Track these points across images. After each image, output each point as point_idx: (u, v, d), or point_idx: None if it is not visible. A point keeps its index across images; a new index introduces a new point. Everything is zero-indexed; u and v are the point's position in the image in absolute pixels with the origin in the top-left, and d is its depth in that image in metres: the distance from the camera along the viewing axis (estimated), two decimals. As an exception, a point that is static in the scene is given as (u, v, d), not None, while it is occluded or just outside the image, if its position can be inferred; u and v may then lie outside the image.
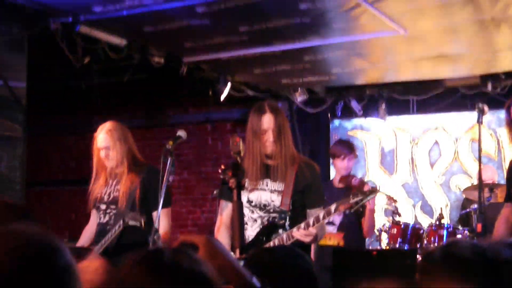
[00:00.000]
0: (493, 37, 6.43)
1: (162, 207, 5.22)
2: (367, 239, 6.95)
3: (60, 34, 6.03)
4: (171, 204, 5.46)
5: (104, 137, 5.29)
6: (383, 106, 8.51)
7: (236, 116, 8.96)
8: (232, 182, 4.32)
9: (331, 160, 7.20)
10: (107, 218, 5.38)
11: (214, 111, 8.93)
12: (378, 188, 6.24)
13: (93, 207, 5.51)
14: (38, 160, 9.03)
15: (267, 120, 4.68)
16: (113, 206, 5.34)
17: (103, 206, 5.42)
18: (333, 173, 8.29)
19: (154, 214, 5.24)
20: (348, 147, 6.81)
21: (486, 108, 5.49)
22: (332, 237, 6.27)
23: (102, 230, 5.34)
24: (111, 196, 5.38)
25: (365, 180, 8.76)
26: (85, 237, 5.55)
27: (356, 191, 4.94)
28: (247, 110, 8.54)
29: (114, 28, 6.30)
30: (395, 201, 7.14)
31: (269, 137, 4.64)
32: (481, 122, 5.60)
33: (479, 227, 5.64)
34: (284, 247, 2.57)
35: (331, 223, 6.34)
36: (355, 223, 6.49)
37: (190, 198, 9.48)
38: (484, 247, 2.42)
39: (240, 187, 4.35)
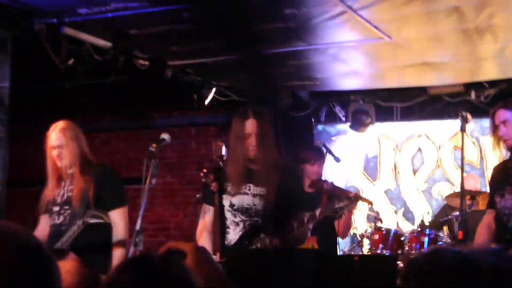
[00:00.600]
0: (477, 46, 6.45)
1: (117, 206, 5.23)
2: (342, 242, 6.96)
3: (44, 35, 5.99)
4: (126, 202, 5.38)
5: (57, 136, 5.22)
6: (367, 113, 8.51)
7: (221, 121, 8.89)
8: (214, 186, 4.41)
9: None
10: (61, 219, 5.24)
11: (198, 115, 8.91)
12: (359, 193, 6.28)
13: (44, 212, 5.37)
14: (21, 160, 9.00)
15: (250, 125, 4.71)
16: (66, 207, 5.22)
17: (56, 208, 5.29)
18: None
19: (111, 213, 5.18)
20: (318, 153, 6.88)
21: (469, 116, 5.52)
22: (306, 241, 6.27)
23: (56, 231, 5.19)
24: (65, 197, 5.26)
25: (347, 186, 8.85)
26: None
27: (340, 196, 4.96)
28: (231, 114, 8.66)
29: (99, 30, 6.27)
30: (370, 203, 7.13)
31: (252, 142, 4.67)
32: (464, 130, 5.62)
33: (460, 234, 5.65)
34: (262, 251, 2.57)
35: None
36: (328, 226, 6.44)
37: (172, 202, 9.46)
38: (466, 254, 2.43)
39: (222, 191, 4.43)
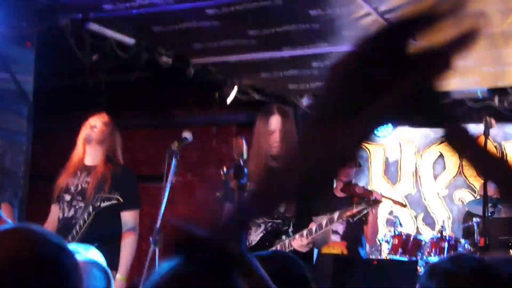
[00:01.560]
0: (502, 51, 6.42)
1: (131, 208, 5.27)
2: (368, 249, 6.94)
3: (69, 31, 6.02)
4: (140, 206, 5.39)
5: (101, 129, 5.32)
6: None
7: (242, 119, 8.94)
8: (234, 184, 4.38)
9: None
10: (72, 212, 5.20)
11: (219, 114, 8.90)
12: (381, 197, 6.23)
13: (56, 200, 5.33)
14: (44, 155, 9.05)
15: (275, 121, 4.75)
16: (79, 198, 5.20)
17: (67, 197, 5.26)
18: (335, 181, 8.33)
19: (123, 214, 5.22)
20: None
21: (493, 121, 5.49)
22: (336, 246, 6.25)
23: (66, 226, 5.15)
24: (79, 187, 5.24)
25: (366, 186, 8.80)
26: None
27: (359, 200, 4.93)
28: (253, 113, 8.62)
29: (123, 26, 6.31)
30: (403, 205, 7.08)
31: (276, 138, 4.70)
32: (488, 135, 5.57)
33: (481, 242, 5.60)
34: (278, 254, 2.52)
35: (335, 232, 6.33)
36: (358, 232, 6.46)
37: (192, 200, 9.40)
38: (487, 263, 2.40)
39: (242, 189, 4.33)
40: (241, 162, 4.32)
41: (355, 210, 4.70)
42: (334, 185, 7.20)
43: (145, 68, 6.98)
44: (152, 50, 6.80)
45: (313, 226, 4.56)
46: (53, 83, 7.86)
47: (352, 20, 5.79)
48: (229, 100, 7.87)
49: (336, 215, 4.61)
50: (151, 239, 4.72)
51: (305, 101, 8.53)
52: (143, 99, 9.13)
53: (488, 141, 6.96)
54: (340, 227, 6.30)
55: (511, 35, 5.98)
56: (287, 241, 4.56)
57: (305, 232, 4.53)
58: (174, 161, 4.84)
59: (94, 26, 6.15)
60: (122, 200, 5.08)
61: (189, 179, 9.34)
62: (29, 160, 6.45)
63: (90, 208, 5.04)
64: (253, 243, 4.64)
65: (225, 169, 4.56)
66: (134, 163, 9.22)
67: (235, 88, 7.83)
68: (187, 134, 5.09)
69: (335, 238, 6.32)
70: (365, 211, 4.95)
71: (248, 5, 5.57)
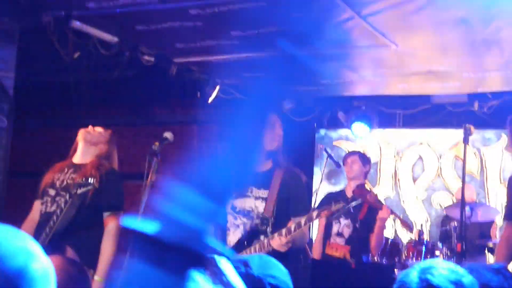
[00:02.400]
0: (483, 58, 6.45)
1: (113, 210, 5.17)
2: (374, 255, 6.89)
3: (51, 28, 5.97)
4: (122, 209, 5.33)
5: (100, 132, 5.37)
6: (370, 119, 8.49)
7: (223, 119, 8.88)
8: None
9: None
10: (54, 207, 5.10)
11: (201, 113, 8.84)
12: (389, 213, 6.20)
13: (40, 195, 5.27)
14: (24, 152, 8.98)
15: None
16: (63, 193, 5.12)
17: (52, 192, 5.19)
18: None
19: (106, 214, 5.14)
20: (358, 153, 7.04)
21: (473, 128, 5.51)
22: (339, 249, 6.23)
23: (48, 219, 5.05)
24: (64, 183, 5.17)
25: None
26: (27, 232, 5.19)
27: (366, 211, 4.92)
28: (234, 113, 8.69)
29: (106, 24, 6.26)
30: (409, 227, 7.06)
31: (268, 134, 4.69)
32: (467, 143, 5.60)
33: (458, 247, 5.63)
34: (259, 258, 2.51)
35: (340, 234, 6.35)
36: (364, 237, 6.46)
37: None
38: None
39: None
40: None
41: (333, 208, 4.70)
42: (344, 185, 7.23)
43: (127, 66, 6.98)
44: (135, 48, 6.78)
45: (291, 224, 4.54)
46: (35, 80, 7.79)
47: (334, 23, 5.77)
48: (211, 99, 7.88)
49: (314, 213, 4.62)
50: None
51: (286, 104, 8.53)
52: (125, 97, 9.11)
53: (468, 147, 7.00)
54: (346, 230, 6.33)
55: (492, 42, 5.98)
56: (266, 241, 4.54)
57: (283, 231, 4.51)
58: (155, 161, 4.82)
59: (77, 24, 6.08)
60: (97, 186, 4.97)
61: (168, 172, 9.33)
62: (8, 156, 6.39)
63: (67, 196, 4.98)
64: (232, 244, 4.63)
65: None
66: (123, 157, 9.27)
67: (217, 87, 7.84)
68: (168, 134, 5.06)
69: (339, 241, 6.31)
70: (343, 210, 4.96)
71: (232, 6, 5.56)
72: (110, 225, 5.13)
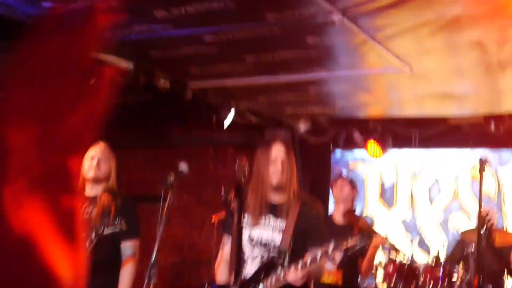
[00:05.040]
0: (498, 79, 6.43)
1: (132, 238, 5.21)
2: (364, 280, 6.94)
3: None
4: (139, 235, 5.37)
5: (100, 151, 5.28)
6: (385, 140, 8.51)
7: (239, 141, 8.89)
8: (234, 204, 4.29)
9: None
10: None
11: (216, 135, 8.85)
12: (383, 241, 6.18)
13: None
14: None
15: (277, 150, 4.66)
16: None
17: None
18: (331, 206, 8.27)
19: (124, 243, 5.19)
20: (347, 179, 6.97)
21: (488, 159, 5.49)
22: (331, 275, 6.19)
23: None
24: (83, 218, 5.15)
25: (364, 214, 8.80)
26: None
27: (358, 233, 4.89)
28: (249, 135, 8.68)
29: (121, 51, 6.23)
30: (398, 251, 7.09)
31: (278, 166, 4.60)
32: (481, 177, 5.58)
33: (476, 280, 5.59)
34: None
35: (333, 259, 6.30)
36: (354, 262, 6.45)
37: (188, 221, 9.41)
38: None
39: (242, 209, 4.28)
40: (243, 181, 4.25)
41: (350, 244, 4.64)
42: (331, 210, 7.21)
43: (143, 90, 6.97)
44: (150, 73, 6.80)
45: (307, 258, 4.44)
46: None
47: (350, 47, 5.81)
48: (226, 123, 7.86)
49: (330, 248, 4.53)
50: (146, 274, 4.66)
51: (302, 126, 8.54)
52: (141, 121, 9.09)
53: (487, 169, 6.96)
54: (337, 256, 6.23)
55: (507, 64, 5.99)
56: (282, 274, 4.46)
57: (299, 264, 4.42)
58: (170, 195, 4.76)
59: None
60: (125, 229, 5.04)
61: (185, 200, 9.28)
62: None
63: (93, 235, 4.97)
64: (249, 275, 4.57)
65: (225, 189, 4.48)
66: (131, 183, 9.29)
67: (232, 111, 7.82)
68: (183, 166, 4.99)
69: (330, 266, 6.26)
70: (358, 247, 4.92)
71: (247, 31, 5.58)
72: (129, 252, 5.20)
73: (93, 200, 5.22)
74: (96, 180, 5.23)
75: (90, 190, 5.25)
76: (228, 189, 4.31)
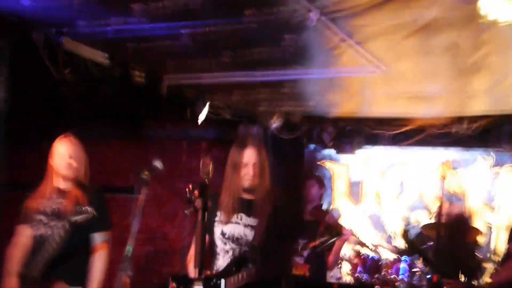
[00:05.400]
0: (470, 81, 6.43)
1: (104, 230, 5.26)
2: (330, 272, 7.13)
3: (42, 45, 5.87)
4: (111, 227, 5.41)
5: (73, 148, 5.32)
6: (355, 139, 8.59)
7: (212, 136, 8.89)
8: (198, 203, 4.25)
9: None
10: (49, 231, 5.14)
11: (190, 129, 8.80)
12: (350, 235, 6.41)
13: (25, 221, 5.27)
14: (18, 164, 8.88)
15: (249, 154, 4.70)
16: (54, 218, 5.18)
17: (41, 217, 5.21)
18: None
19: (95, 235, 5.21)
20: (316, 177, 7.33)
21: (451, 163, 5.72)
22: (299, 267, 6.27)
23: (43, 243, 5.09)
24: (53, 209, 5.23)
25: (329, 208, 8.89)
26: (16, 258, 5.23)
27: (325, 229, 5.03)
28: (222, 130, 8.51)
29: (96, 42, 6.16)
30: (366, 246, 7.45)
31: (249, 171, 4.65)
32: (445, 176, 6.08)
33: (434, 278, 5.88)
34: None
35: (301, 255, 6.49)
36: (321, 255, 6.49)
37: (161, 212, 9.32)
38: None
39: (206, 208, 4.22)
40: (206, 181, 4.21)
41: (318, 242, 4.80)
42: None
43: (118, 82, 6.83)
44: (125, 65, 6.72)
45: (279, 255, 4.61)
46: (27, 96, 7.66)
47: (325, 47, 5.72)
48: (200, 118, 7.82)
49: (300, 246, 4.62)
50: (120, 266, 4.62)
51: (274, 122, 8.52)
52: (115, 113, 8.99)
53: (449, 166, 7.09)
54: (305, 252, 6.49)
55: (481, 66, 5.96)
56: (254, 270, 4.48)
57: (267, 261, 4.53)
58: (144, 191, 4.73)
59: (67, 41, 6.00)
60: (95, 214, 5.04)
61: (159, 192, 9.16)
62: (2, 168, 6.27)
63: (66, 223, 4.98)
64: (221, 268, 4.58)
65: (190, 187, 4.37)
66: (105, 174, 9.09)
67: (207, 106, 7.80)
68: (158, 164, 4.94)
69: (298, 260, 6.39)
70: (327, 243, 5.01)
71: (224, 27, 5.45)
72: (102, 251, 5.26)
73: (63, 192, 5.23)
74: (68, 177, 5.24)
75: (61, 183, 5.26)
76: (193, 189, 4.26)
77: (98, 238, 5.26)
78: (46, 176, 5.32)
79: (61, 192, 5.22)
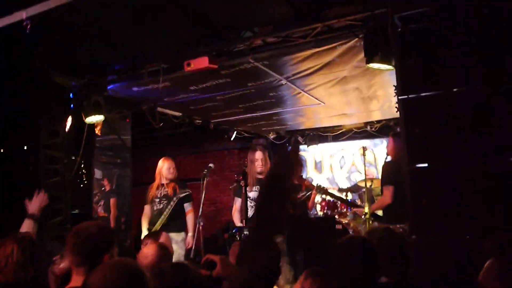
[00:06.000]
0: (369, 105, 6.34)
1: (189, 201, 5.10)
2: (310, 212, 6.78)
3: (147, 111, 5.93)
4: (192, 200, 5.23)
5: (172, 165, 5.24)
6: (314, 139, 8.39)
7: (239, 147, 8.82)
8: (242, 183, 4.36)
9: None
10: (162, 206, 5.08)
11: (228, 144, 8.80)
12: (314, 187, 6.11)
13: (149, 202, 5.21)
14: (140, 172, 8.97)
15: (258, 154, 4.70)
16: (164, 199, 5.10)
17: (157, 200, 5.14)
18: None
19: (186, 205, 5.09)
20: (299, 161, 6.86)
21: (367, 147, 5.49)
22: (292, 210, 6.12)
23: (159, 212, 5.04)
24: (162, 194, 5.15)
25: (306, 177, 8.65)
26: (146, 221, 5.20)
27: (306, 188, 4.88)
28: (245, 143, 8.57)
29: (174, 107, 6.20)
30: (326, 194, 6.97)
31: (259, 163, 4.64)
32: (365, 155, 5.67)
33: (366, 208, 5.56)
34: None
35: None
36: (305, 202, 6.20)
37: (218, 189, 9.23)
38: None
39: (246, 185, 4.31)
40: (246, 170, 4.31)
41: (300, 195, 4.65)
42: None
43: (187, 125, 6.86)
44: (190, 117, 6.68)
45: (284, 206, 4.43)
46: (138, 136, 7.70)
47: (292, 95, 5.70)
48: (232, 138, 7.75)
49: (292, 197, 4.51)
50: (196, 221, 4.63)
51: (271, 136, 8.40)
52: (188, 141, 9.05)
53: (368, 148, 6.88)
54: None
55: (373, 97, 5.91)
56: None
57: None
58: (205, 180, 4.80)
59: (159, 108, 6.05)
60: (186, 197, 5.01)
61: (215, 178, 9.23)
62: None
63: (175, 199, 4.97)
64: (250, 216, 4.52)
65: (236, 175, 4.49)
66: (185, 172, 8.94)
67: (235, 132, 7.70)
68: (211, 164, 5.04)
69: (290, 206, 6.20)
70: (306, 195, 4.90)
71: (238, 93, 5.46)
72: (191, 213, 5.15)
73: (165, 185, 5.18)
74: (168, 178, 5.19)
75: (164, 181, 5.21)
76: (239, 174, 4.32)
77: (188, 206, 5.18)
78: (156, 178, 5.28)
79: (164, 186, 5.20)
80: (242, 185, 4.32)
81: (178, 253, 4.75)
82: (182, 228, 5.12)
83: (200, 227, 4.85)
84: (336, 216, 6.46)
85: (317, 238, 5.53)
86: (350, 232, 5.78)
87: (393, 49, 3.22)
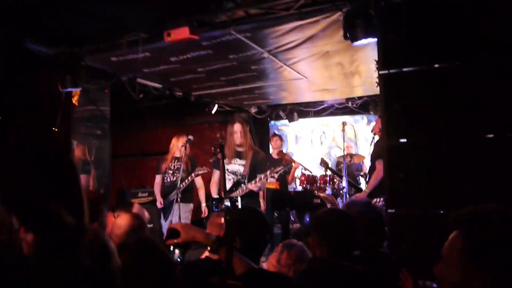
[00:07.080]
0: (351, 80, 6.34)
1: (199, 174, 5.39)
2: (290, 186, 6.89)
3: (127, 83, 5.86)
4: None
5: (184, 146, 5.35)
6: (295, 114, 8.40)
7: (220, 120, 8.75)
8: (219, 155, 4.22)
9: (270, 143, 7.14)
10: (174, 178, 5.31)
11: (209, 118, 8.73)
12: (296, 163, 6.17)
13: (161, 172, 5.42)
14: (121, 142, 8.86)
15: (237, 127, 4.61)
16: (176, 172, 5.32)
17: (170, 171, 5.37)
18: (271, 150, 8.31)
19: (197, 179, 5.42)
20: (278, 136, 6.98)
21: (347, 123, 5.51)
22: (273, 184, 6.19)
23: (172, 185, 5.26)
24: (175, 167, 5.38)
25: (286, 151, 8.76)
26: (158, 190, 5.46)
27: (286, 162, 4.93)
28: (226, 117, 8.56)
29: (155, 78, 6.12)
30: (306, 169, 7.10)
31: (238, 136, 4.56)
32: (344, 130, 5.80)
33: (344, 182, 5.62)
34: (249, 208, 2.35)
35: (273, 176, 6.29)
36: (284, 176, 6.40)
37: (198, 161, 9.27)
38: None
39: (224, 158, 4.24)
40: (223, 143, 4.22)
41: (279, 169, 4.68)
42: (271, 151, 7.20)
43: (168, 97, 6.77)
44: (171, 89, 6.61)
45: (258, 178, 4.46)
46: (120, 109, 7.61)
47: (274, 69, 5.67)
48: (213, 111, 7.71)
49: (269, 171, 4.57)
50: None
51: (252, 110, 8.38)
52: (168, 113, 8.96)
53: (348, 123, 6.93)
54: (275, 174, 6.25)
55: (355, 73, 5.91)
56: (244, 187, 4.45)
57: (253, 181, 4.44)
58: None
59: (140, 80, 5.97)
60: (206, 170, 5.26)
61: (195, 151, 9.20)
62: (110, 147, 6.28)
63: (193, 175, 5.22)
64: (228, 188, 4.52)
65: (213, 147, 4.48)
66: (165, 145, 9.11)
67: (216, 105, 7.66)
68: (191, 136, 5.08)
69: (272, 180, 6.26)
70: (286, 167, 4.95)
71: (220, 65, 5.40)
72: (200, 180, 5.52)
73: (178, 159, 5.40)
74: (179, 152, 5.40)
75: (177, 154, 5.40)
76: (215, 146, 4.27)
77: (200, 181, 5.50)
78: (169, 151, 5.49)
79: (177, 158, 5.36)
80: (219, 157, 4.31)
81: (188, 220, 5.26)
82: (191, 199, 5.40)
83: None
84: (315, 191, 6.53)
85: (295, 210, 5.61)
86: (328, 206, 5.87)
87: (375, 24, 3.19)
